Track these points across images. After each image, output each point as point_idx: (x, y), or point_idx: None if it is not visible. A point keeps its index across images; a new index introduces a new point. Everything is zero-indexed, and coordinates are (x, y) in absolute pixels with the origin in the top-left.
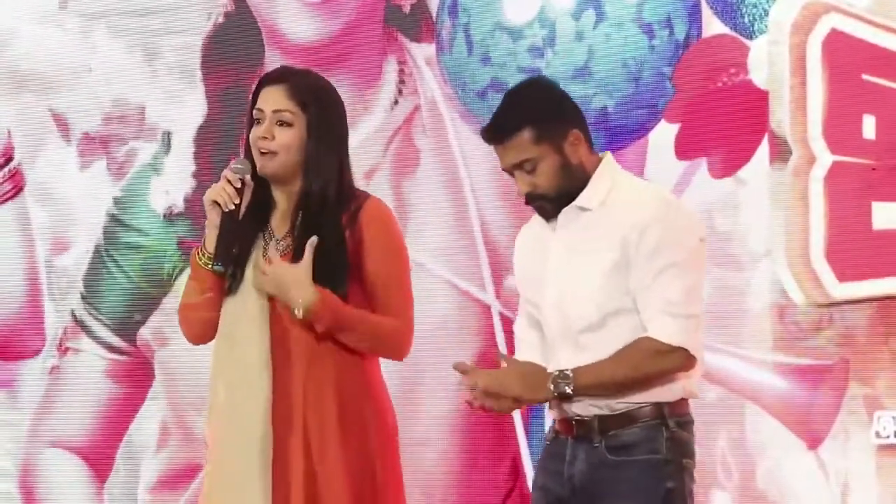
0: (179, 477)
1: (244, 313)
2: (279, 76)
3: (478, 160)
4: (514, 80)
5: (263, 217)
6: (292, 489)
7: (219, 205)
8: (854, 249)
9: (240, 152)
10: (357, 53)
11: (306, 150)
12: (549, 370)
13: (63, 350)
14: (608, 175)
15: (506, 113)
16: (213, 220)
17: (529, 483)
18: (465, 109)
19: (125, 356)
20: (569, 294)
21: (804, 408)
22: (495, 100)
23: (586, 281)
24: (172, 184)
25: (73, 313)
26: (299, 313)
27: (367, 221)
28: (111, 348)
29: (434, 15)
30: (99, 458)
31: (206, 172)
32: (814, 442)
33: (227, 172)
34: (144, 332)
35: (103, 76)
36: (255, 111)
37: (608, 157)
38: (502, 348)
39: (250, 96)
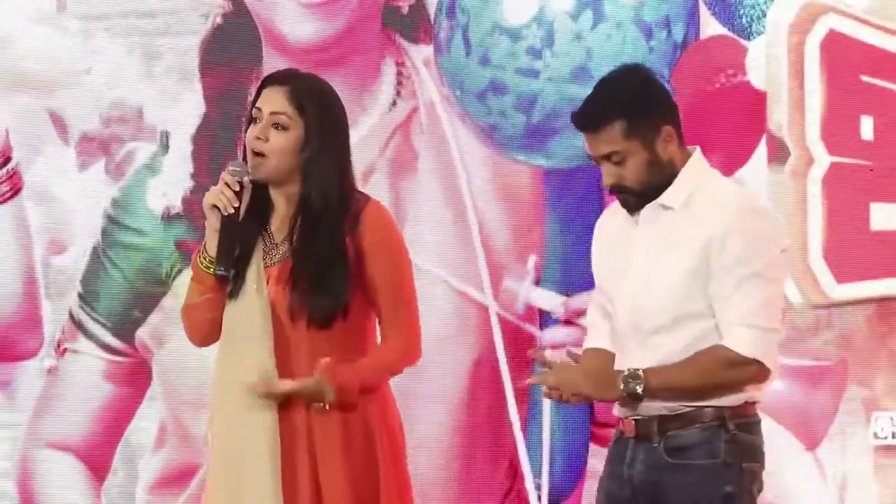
0: (177, 477)
1: (246, 317)
2: (282, 78)
3: (476, 162)
4: (512, 81)
5: (263, 219)
6: (299, 498)
7: (218, 208)
8: (852, 250)
9: (238, 153)
10: (355, 55)
11: (305, 155)
12: (618, 367)
13: (61, 351)
14: (693, 174)
15: (598, 102)
16: (212, 224)
17: (527, 484)
18: (464, 111)
19: (123, 357)
20: (643, 294)
21: (802, 408)
22: (493, 101)
23: (662, 283)
24: (170, 184)
25: (70, 313)
26: (327, 407)
27: (367, 227)
28: (109, 349)
29: (432, 16)
30: (97, 458)
31: (203, 173)
32: (812, 443)
33: (224, 175)
34: (142, 333)
35: (102, 77)
36: (254, 110)
37: (696, 153)
38: (500, 349)
39: (249, 97)
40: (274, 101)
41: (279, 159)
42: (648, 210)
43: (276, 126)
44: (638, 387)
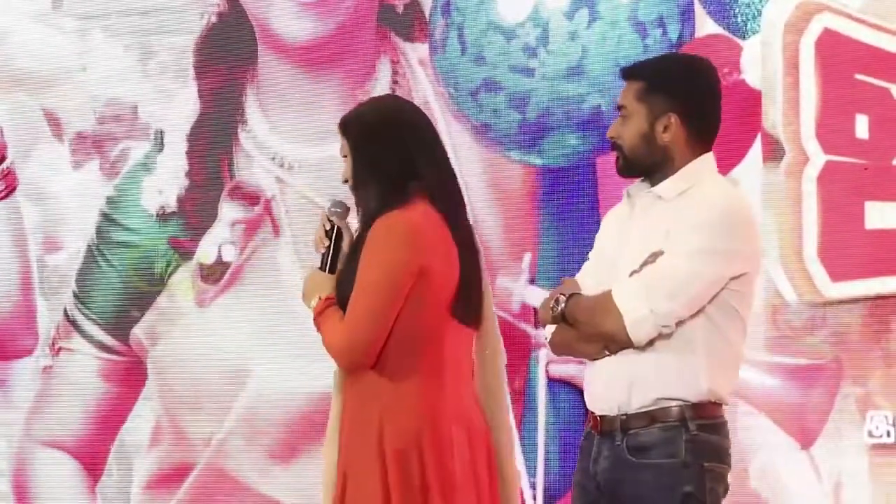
0: (172, 476)
1: None
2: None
3: (470, 160)
4: (507, 79)
5: None
6: None
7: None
8: (847, 249)
9: (233, 152)
10: (350, 53)
11: (352, 178)
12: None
13: (56, 350)
14: (695, 173)
15: (649, 60)
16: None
17: (522, 485)
18: (458, 109)
19: (118, 355)
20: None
21: (797, 407)
22: (488, 99)
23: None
24: (165, 183)
25: (65, 312)
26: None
27: (368, 236)
28: (104, 347)
29: (427, 15)
30: (92, 457)
31: (198, 172)
32: (806, 441)
33: (322, 214)
34: (137, 332)
35: (96, 75)
36: None
37: (706, 157)
38: None
39: (244, 95)
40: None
41: (351, 185)
42: (645, 199)
43: (345, 156)
44: (558, 307)
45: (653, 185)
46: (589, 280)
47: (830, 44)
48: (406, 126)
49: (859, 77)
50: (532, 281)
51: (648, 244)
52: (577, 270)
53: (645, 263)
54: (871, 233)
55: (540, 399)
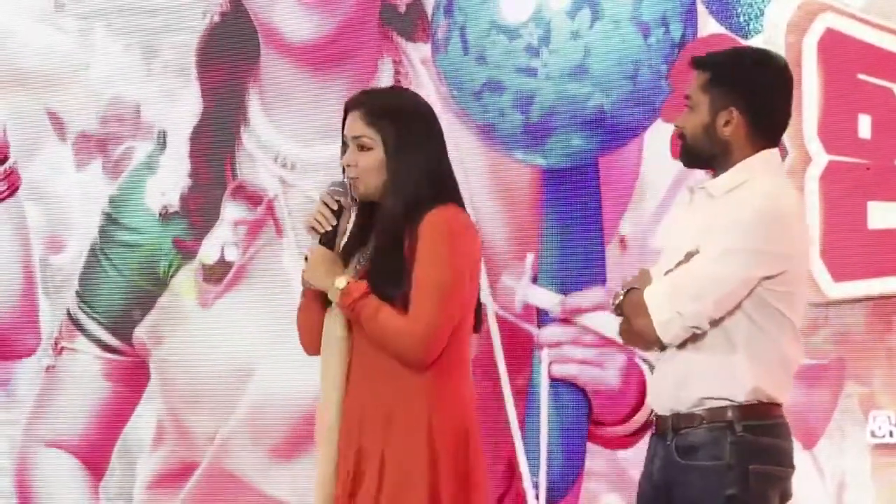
0: (175, 476)
1: (332, 325)
2: (357, 101)
3: (474, 160)
4: (510, 79)
5: (366, 236)
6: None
7: (316, 229)
8: (849, 249)
9: (236, 152)
10: (352, 53)
11: (389, 170)
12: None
13: (58, 350)
14: (749, 170)
15: (719, 52)
16: (312, 244)
17: (524, 484)
18: (461, 109)
19: (121, 355)
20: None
21: (800, 407)
22: (491, 100)
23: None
24: (168, 183)
25: (68, 312)
26: (330, 296)
27: (422, 231)
28: (107, 347)
29: (430, 15)
30: (95, 457)
31: (201, 171)
32: (809, 441)
33: (323, 195)
34: (140, 332)
35: (99, 75)
36: (343, 137)
37: (764, 154)
38: (498, 347)
39: (247, 94)
40: (353, 126)
41: (367, 178)
42: (700, 194)
43: (361, 148)
44: (616, 300)
45: (713, 178)
46: (656, 273)
47: (833, 44)
48: (438, 125)
49: (862, 77)
50: (534, 280)
51: (689, 242)
52: (580, 270)
53: (680, 263)
54: (873, 233)
55: (542, 399)
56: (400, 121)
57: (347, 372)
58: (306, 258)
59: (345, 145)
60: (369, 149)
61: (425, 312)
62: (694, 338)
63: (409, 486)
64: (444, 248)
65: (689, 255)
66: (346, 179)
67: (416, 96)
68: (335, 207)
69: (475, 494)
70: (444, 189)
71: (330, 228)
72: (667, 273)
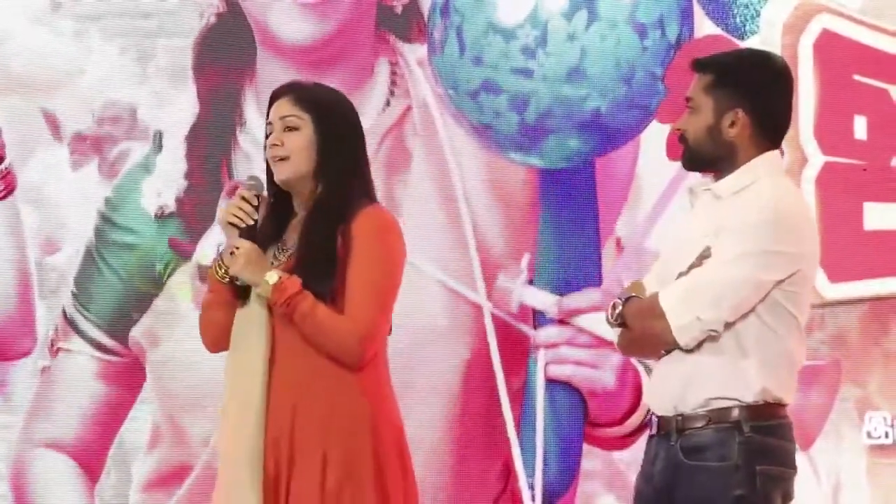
0: (171, 477)
1: (248, 323)
2: (285, 89)
3: (470, 161)
4: (506, 81)
5: (279, 229)
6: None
7: (234, 224)
8: (846, 250)
9: (231, 153)
10: (349, 54)
11: (319, 154)
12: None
13: (54, 351)
14: (752, 170)
15: (721, 54)
16: (231, 240)
17: (520, 485)
18: (457, 110)
19: (116, 357)
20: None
21: (796, 408)
22: (487, 101)
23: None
24: (164, 184)
25: (64, 313)
26: (260, 290)
27: (356, 231)
28: (102, 349)
29: (426, 16)
30: (90, 458)
31: (197, 173)
32: (805, 442)
33: (241, 191)
34: (136, 333)
35: (95, 77)
36: (267, 126)
37: (768, 155)
38: (494, 348)
39: (243, 97)
40: (281, 109)
41: (298, 157)
42: (704, 196)
43: (288, 129)
44: (616, 311)
45: (716, 180)
46: (654, 280)
47: (829, 45)
48: (361, 126)
49: (858, 78)
50: (531, 281)
51: (699, 244)
52: (576, 272)
53: (692, 266)
54: (869, 234)
55: (538, 399)
56: (331, 109)
57: (269, 370)
58: (231, 252)
59: (267, 137)
60: (297, 129)
61: (364, 312)
62: (702, 339)
63: (356, 486)
64: (382, 248)
65: (702, 257)
66: (265, 165)
67: (341, 93)
68: (255, 203)
69: (413, 490)
70: (371, 188)
71: (252, 223)
72: (680, 275)
